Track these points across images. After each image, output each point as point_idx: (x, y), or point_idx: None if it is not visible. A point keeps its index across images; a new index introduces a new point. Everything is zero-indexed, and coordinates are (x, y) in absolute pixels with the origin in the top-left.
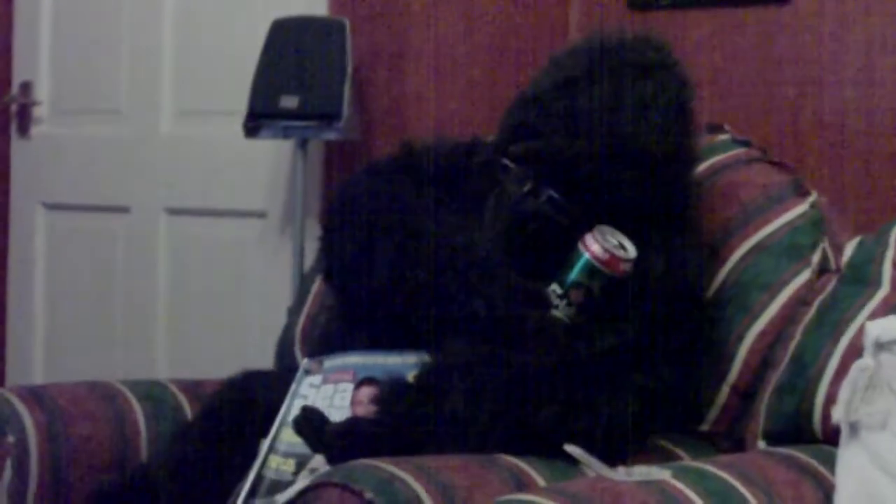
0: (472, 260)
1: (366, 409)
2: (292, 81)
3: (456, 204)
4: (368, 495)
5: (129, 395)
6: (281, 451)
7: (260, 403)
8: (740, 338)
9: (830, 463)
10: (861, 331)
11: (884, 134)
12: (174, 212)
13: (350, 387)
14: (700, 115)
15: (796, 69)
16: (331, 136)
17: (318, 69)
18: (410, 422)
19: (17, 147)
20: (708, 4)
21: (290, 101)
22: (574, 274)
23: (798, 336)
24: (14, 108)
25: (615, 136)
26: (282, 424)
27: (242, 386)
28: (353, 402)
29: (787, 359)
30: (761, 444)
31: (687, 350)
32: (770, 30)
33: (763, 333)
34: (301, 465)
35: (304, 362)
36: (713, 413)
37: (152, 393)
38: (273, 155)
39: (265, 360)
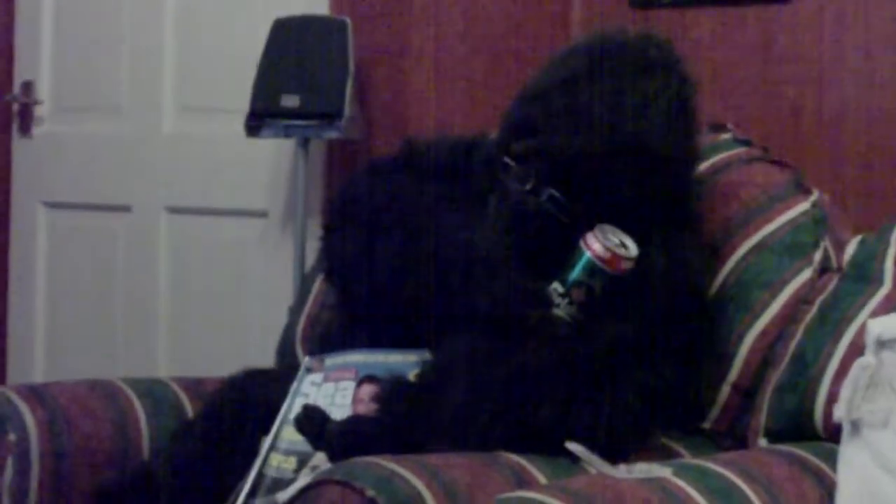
0: (474, 258)
1: (367, 408)
2: (294, 80)
3: (457, 203)
4: (369, 493)
5: (130, 393)
6: (282, 449)
7: (261, 402)
8: (741, 336)
9: (832, 460)
10: (862, 329)
11: (884, 133)
12: (175, 211)
13: (351, 385)
14: (701, 114)
15: (797, 68)
16: (332, 135)
17: (319, 68)
18: (411, 420)
19: (19, 146)
20: (709, 3)
21: (291, 100)
22: (575, 273)
23: (799, 334)
24: (15, 107)
25: (617, 134)
26: (283, 422)
27: (243, 384)
28: (355, 401)
29: (788, 357)
30: (763, 442)
31: (688, 348)
32: (771, 28)
33: (764, 332)
34: (302, 462)
35: (305, 360)
36: (714, 411)
37: (153, 391)
38: (274, 154)
39: (266, 358)
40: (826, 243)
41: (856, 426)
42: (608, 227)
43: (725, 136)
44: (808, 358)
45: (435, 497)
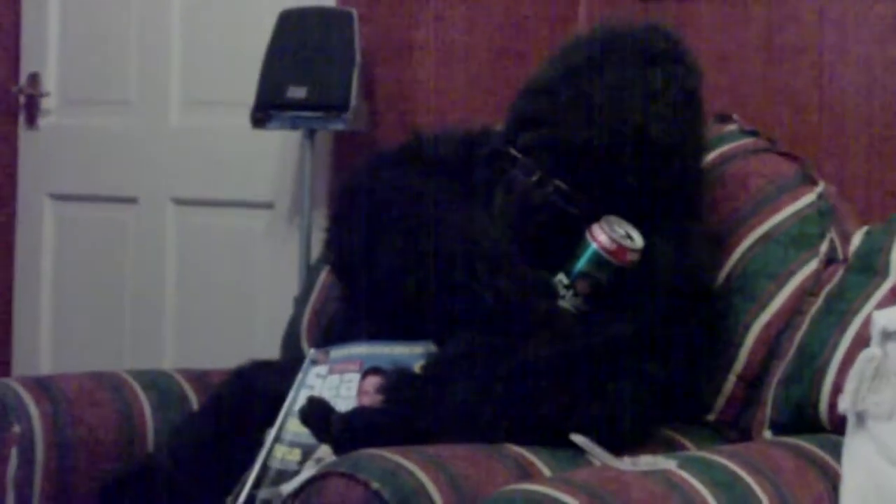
0: (480, 250)
1: (372, 399)
2: (300, 72)
3: (463, 194)
4: (374, 485)
5: (136, 385)
6: (287, 440)
7: (266, 393)
8: (747, 327)
9: (837, 452)
10: (868, 320)
11: (891, 123)
12: (182, 202)
13: (356, 377)
14: (707, 105)
15: (803, 59)
16: (338, 126)
17: (325, 60)
18: (416, 412)
19: (25, 138)
20: None
21: (297, 92)
22: (581, 264)
23: (805, 326)
24: (22, 99)
25: (623, 125)
26: (288, 414)
27: (248, 376)
28: (360, 392)
29: (793, 348)
30: (767, 434)
31: (694, 340)
32: (777, 19)
33: (770, 323)
34: (307, 454)
35: (310, 352)
36: (719, 403)
37: (158, 383)
38: (280, 146)
39: (272, 350)
40: (832, 234)
41: (861, 418)
42: (614, 219)
43: (731, 126)
44: (814, 349)
45: (439, 489)
